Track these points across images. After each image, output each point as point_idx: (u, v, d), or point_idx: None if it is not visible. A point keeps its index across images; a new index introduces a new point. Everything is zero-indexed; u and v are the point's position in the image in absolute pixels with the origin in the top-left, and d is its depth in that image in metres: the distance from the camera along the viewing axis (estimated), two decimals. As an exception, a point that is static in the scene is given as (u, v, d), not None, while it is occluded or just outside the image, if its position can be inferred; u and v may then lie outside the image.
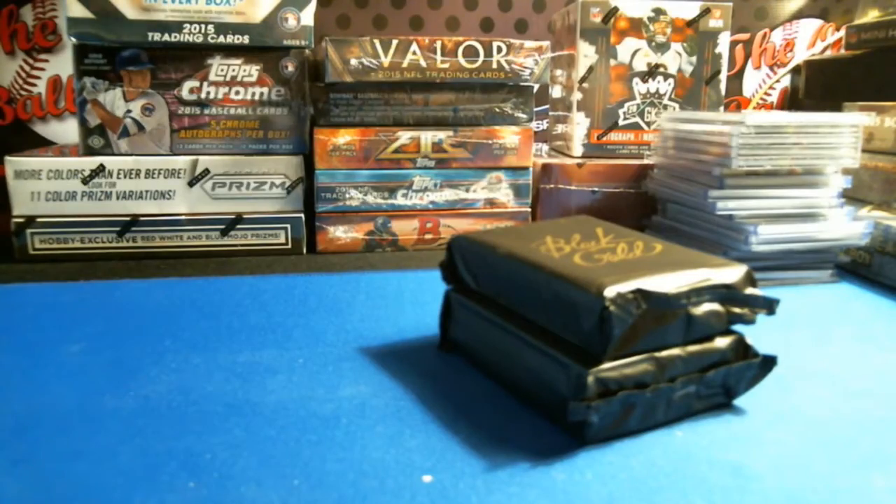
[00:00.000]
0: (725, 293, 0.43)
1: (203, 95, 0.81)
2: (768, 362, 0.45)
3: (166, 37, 0.78)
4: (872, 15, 1.01)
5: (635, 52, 0.92)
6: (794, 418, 0.44)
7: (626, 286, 0.40)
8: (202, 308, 0.63)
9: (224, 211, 0.82)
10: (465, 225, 0.86)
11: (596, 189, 0.89)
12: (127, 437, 0.41)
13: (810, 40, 1.20)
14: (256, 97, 0.82)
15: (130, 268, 0.76)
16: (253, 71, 0.81)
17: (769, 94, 1.22)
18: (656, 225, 0.86)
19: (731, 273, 0.44)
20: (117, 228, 0.80)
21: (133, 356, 0.52)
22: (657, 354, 0.41)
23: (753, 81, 1.21)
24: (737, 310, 0.43)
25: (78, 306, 0.63)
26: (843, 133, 0.72)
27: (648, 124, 0.94)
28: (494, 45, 0.82)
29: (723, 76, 0.94)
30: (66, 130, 1.05)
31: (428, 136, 0.84)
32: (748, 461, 0.39)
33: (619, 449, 0.40)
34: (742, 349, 0.45)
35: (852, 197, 0.83)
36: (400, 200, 0.84)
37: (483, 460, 0.39)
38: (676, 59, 0.93)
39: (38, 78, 1.04)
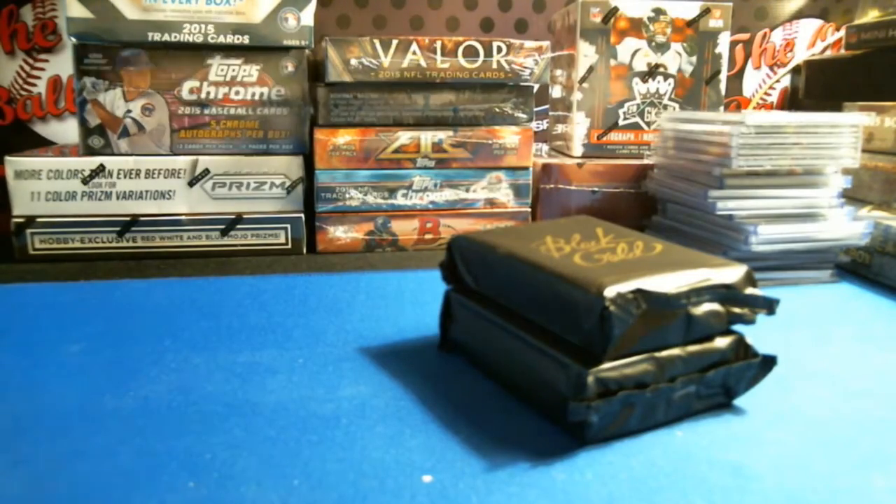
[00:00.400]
0: (725, 293, 0.43)
1: (203, 95, 0.81)
2: (768, 362, 0.45)
3: (166, 37, 0.78)
4: (872, 15, 1.01)
5: (635, 52, 0.92)
6: (794, 418, 0.44)
7: (626, 286, 0.40)
8: (202, 308, 0.63)
9: (224, 211, 0.82)
10: (465, 225, 0.86)
11: (596, 189, 0.89)
12: (127, 437, 0.41)
13: (810, 40, 1.20)
14: (256, 97, 0.82)
15: (130, 268, 0.76)
16: (253, 71, 0.81)
17: (769, 94, 1.22)
18: (656, 225, 0.86)
19: (731, 273, 0.44)
20: (117, 228, 0.80)
21: (133, 356, 0.52)
22: (657, 354, 0.41)
23: (753, 81, 1.21)
24: (737, 310, 0.43)
25: (78, 306, 0.63)
26: (843, 133, 0.72)
27: (648, 124, 0.94)
28: (494, 45, 0.82)
29: (723, 76, 0.94)
30: (66, 130, 1.05)
31: (428, 136, 0.84)
32: (748, 461, 0.39)
33: (619, 449, 0.40)
34: (742, 349, 0.45)
35: (852, 197, 0.83)
36: (400, 200, 0.84)
37: (483, 460, 0.39)
38: (676, 59, 0.93)
39: (38, 78, 1.04)
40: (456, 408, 0.45)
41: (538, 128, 1.16)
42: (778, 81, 1.21)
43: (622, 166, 0.90)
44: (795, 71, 1.20)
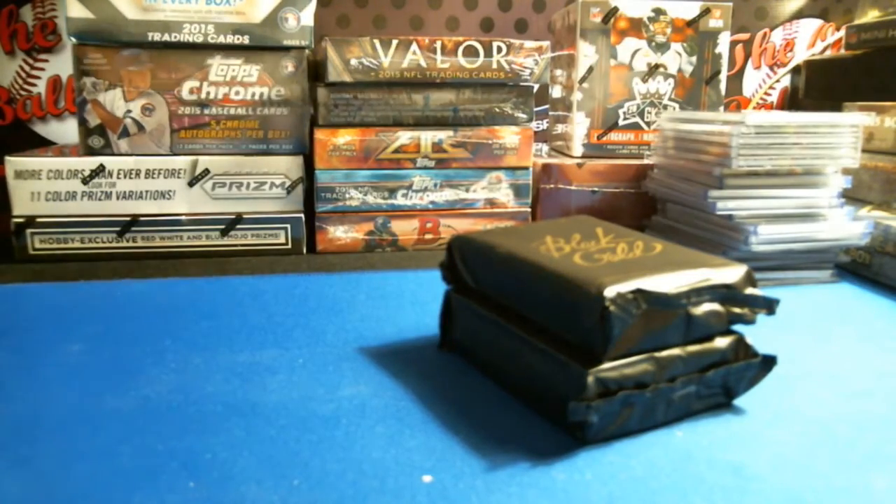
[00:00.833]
0: (725, 293, 0.43)
1: (203, 95, 0.81)
2: (768, 362, 0.45)
3: (166, 37, 0.78)
4: (872, 15, 1.01)
5: (635, 52, 0.92)
6: (794, 418, 0.44)
7: (626, 286, 0.40)
8: (202, 308, 0.63)
9: (224, 211, 0.82)
10: (465, 225, 0.86)
11: (596, 189, 0.89)
12: (127, 437, 0.41)
13: (810, 40, 1.20)
14: (256, 97, 0.82)
15: (130, 268, 0.76)
16: (253, 71, 0.81)
17: (769, 94, 1.22)
18: (656, 225, 0.86)
19: (731, 273, 0.44)
20: (117, 228, 0.80)
21: (133, 356, 0.52)
22: (657, 354, 0.41)
23: (753, 81, 1.21)
24: (737, 310, 0.43)
25: (78, 306, 0.63)
26: (843, 133, 0.72)
27: (648, 124, 0.94)
28: (494, 45, 0.82)
29: (723, 76, 0.94)
30: (66, 130, 1.05)
31: (428, 136, 0.84)
32: (748, 461, 0.39)
33: (619, 449, 0.40)
34: (742, 349, 0.45)
35: (852, 197, 0.83)
36: (400, 200, 0.84)
37: (483, 460, 0.39)
38: (676, 59, 0.93)
39: (37, 78, 1.04)
40: (456, 408, 0.45)
41: (538, 128, 1.16)
42: (778, 81, 1.21)
43: (622, 166, 0.90)
44: (795, 71, 1.20)
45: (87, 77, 0.79)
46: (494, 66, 0.83)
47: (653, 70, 0.93)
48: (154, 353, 0.53)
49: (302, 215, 0.83)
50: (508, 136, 0.85)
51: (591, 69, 0.92)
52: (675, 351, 0.42)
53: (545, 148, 1.06)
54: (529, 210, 0.88)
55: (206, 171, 0.80)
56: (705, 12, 0.92)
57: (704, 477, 0.37)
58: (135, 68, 0.79)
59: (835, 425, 0.43)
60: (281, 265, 0.78)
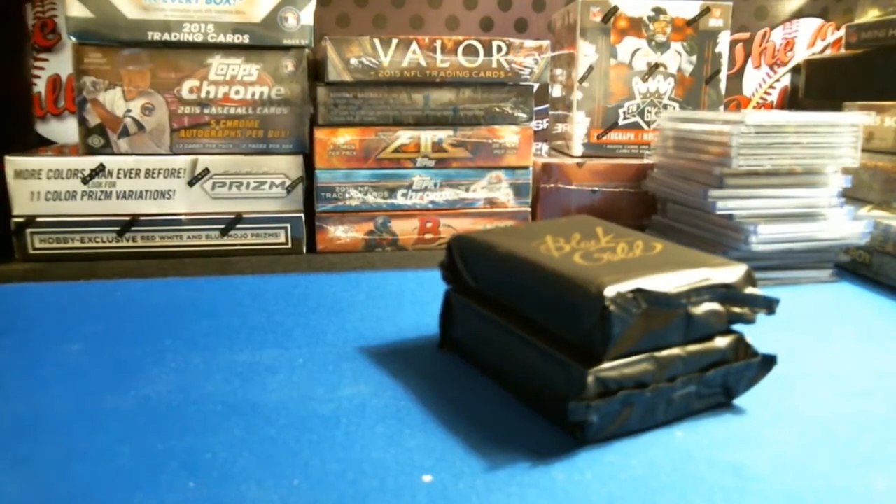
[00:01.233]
0: (725, 293, 0.43)
1: (203, 95, 0.81)
2: (768, 362, 0.45)
3: (166, 36, 0.78)
4: (872, 14, 1.01)
5: (635, 51, 0.92)
6: (794, 418, 0.44)
7: (626, 286, 0.40)
8: (202, 308, 0.63)
9: (224, 211, 0.82)
10: (465, 225, 0.86)
11: (596, 189, 0.89)
12: (127, 437, 0.41)
13: (810, 39, 1.20)
14: (256, 97, 0.82)
15: (130, 268, 0.76)
16: (253, 71, 0.81)
17: (769, 94, 1.22)
18: (656, 225, 0.86)
19: (731, 273, 0.44)
20: (117, 228, 0.80)
21: (133, 356, 0.52)
22: (657, 354, 0.41)
23: (753, 81, 1.21)
24: (737, 309, 0.43)
25: (78, 306, 0.63)
26: (843, 133, 0.72)
27: (648, 124, 0.94)
28: (494, 44, 0.82)
29: (723, 75, 0.94)
30: (66, 130, 1.05)
31: (428, 136, 0.84)
32: (748, 461, 0.39)
33: (619, 449, 0.40)
34: (742, 349, 0.45)
35: (852, 197, 0.83)
36: (400, 200, 0.84)
37: (483, 460, 0.39)
38: (676, 58, 0.93)
39: (37, 77, 1.03)
40: (456, 408, 0.45)
41: (538, 127, 1.16)
42: (778, 81, 1.21)
43: (622, 166, 0.89)
44: (795, 70, 1.20)
45: (86, 76, 0.79)
46: (494, 65, 0.83)
47: (653, 69, 0.93)
48: (154, 353, 0.53)
49: (302, 215, 0.83)
50: (508, 135, 0.85)
51: (591, 68, 0.92)
52: (675, 351, 0.42)
53: (545, 147, 1.06)
54: (529, 210, 0.88)
55: (206, 171, 0.80)
56: (705, 12, 0.92)
57: (704, 477, 0.37)
58: (135, 68, 0.79)
59: (835, 425, 0.43)
60: (281, 265, 0.78)
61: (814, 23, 1.20)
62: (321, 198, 0.83)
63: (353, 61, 0.80)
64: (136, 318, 0.60)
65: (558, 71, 1.00)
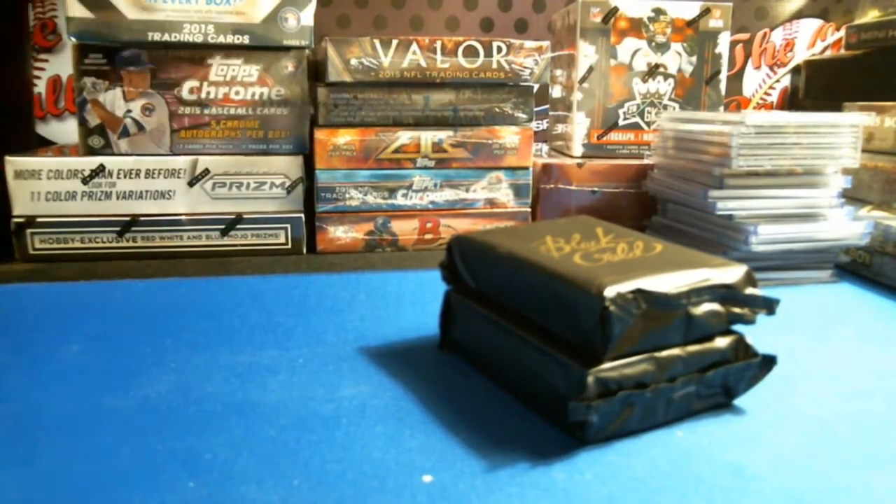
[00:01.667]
0: (725, 293, 0.43)
1: (203, 95, 0.81)
2: (768, 362, 0.45)
3: (166, 37, 0.78)
4: (872, 15, 1.01)
5: (635, 52, 0.92)
6: (794, 418, 0.44)
7: (626, 286, 0.40)
8: (202, 308, 0.63)
9: (224, 211, 0.82)
10: (465, 225, 0.86)
11: (596, 189, 0.89)
12: (127, 437, 0.41)
13: (810, 40, 1.20)
14: (256, 97, 0.82)
15: (130, 268, 0.76)
16: (253, 71, 0.81)
17: (769, 94, 1.22)
18: (656, 225, 0.86)
19: (731, 273, 0.44)
20: (117, 228, 0.80)
21: (133, 356, 0.52)
22: (657, 354, 0.41)
23: (753, 81, 1.21)
24: (737, 310, 0.43)
25: (78, 306, 0.63)
26: (843, 133, 0.72)
27: (648, 124, 0.94)
28: (494, 45, 0.82)
29: (723, 76, 0.94)
30: (66, 130, 1.05)
31: (428, 136, 0.84)
32: (748, 461, 0.39)
33: (619, 449, 0.40)
34: (742, 349, 0.45)
35: (852, 197, 0.83)
36: (400, 200, 0.84)
37: (483, 460, 0.39)
38: (676, 59, 0.93)
39: (38, 78, 1.04)
40: (456, 408, 0.45)
41: (538, 128, 1.16)
42: (778, 81, 1.21)
43: (622, 166, 0.90)
44: (795, 71, 1.20)
45: (87, 77, 0.79)
46: (494, 66, 0.83)
47: (653, 70, 0.93)
48: (154, 354, 0.53)
49: (302, 215, 0.83)
50: (508, 136, 0.85)
51: (591, 69, 0.92)
52: (675, 351, 0.42)
53: (545, 148, 1.06)
54: (529, 210, 0.88)
55: (206, 171, 0.80)
56: (705, 12, 0.92)
57: (704, 477, 0.37)
58: (135, 68, 0.79)
59: (835, 425, 0.43)
60: (281, 265, 0.78)
61: (814, 23, 1.20)
62: (321, 198, 0.83)
63: (354, 62, 0.80)
64: (136, 318, 0.60)
65: (558, 71, 1.00)
